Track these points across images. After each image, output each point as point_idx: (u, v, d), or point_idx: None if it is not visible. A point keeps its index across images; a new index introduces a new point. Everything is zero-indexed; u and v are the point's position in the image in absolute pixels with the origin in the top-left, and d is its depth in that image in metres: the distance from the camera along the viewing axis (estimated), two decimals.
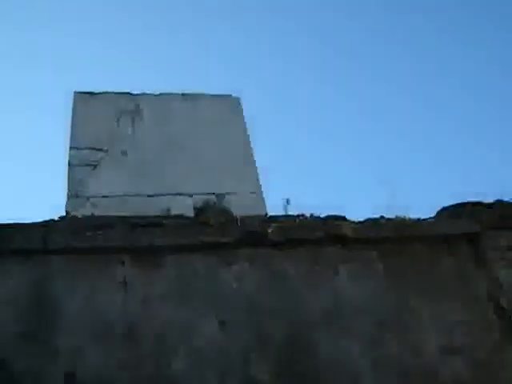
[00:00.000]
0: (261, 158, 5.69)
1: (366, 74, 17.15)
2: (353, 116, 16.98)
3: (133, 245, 3.74)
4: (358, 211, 4.76)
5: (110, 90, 5.87)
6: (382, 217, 4.43)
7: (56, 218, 4.43)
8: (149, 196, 5.07)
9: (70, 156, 5.27)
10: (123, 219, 4.07)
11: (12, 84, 16.94)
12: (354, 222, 4.20)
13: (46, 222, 4.07)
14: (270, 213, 4.95)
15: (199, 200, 5.10)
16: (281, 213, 4.74)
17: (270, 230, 3.94)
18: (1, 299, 3.50)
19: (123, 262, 3.72)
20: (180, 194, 5.14)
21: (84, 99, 5.66)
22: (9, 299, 3.52)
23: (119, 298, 3.60)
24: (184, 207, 4.96)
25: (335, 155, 16.71)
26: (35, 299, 3.55)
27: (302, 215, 4.43)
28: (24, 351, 3.37)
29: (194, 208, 5.04)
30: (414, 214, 4.40)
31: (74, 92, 5.72)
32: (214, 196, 5.19)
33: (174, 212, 4.82)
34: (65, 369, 3.33)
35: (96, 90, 5.79)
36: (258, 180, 5.35)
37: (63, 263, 3.67)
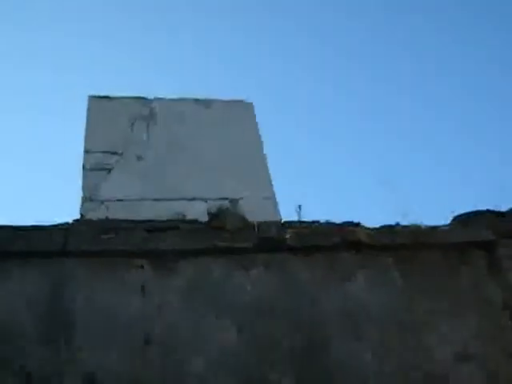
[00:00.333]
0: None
1: (366, 73, 17.16)
2: (353, 116, 17.00)
3: (151, 249, 3.76)
4: (368, 216, 4.78)
5: (123, 94, 5.90)
6: (397, 223, 4.46)
7: (70, 221, 4.47)
8: (163, 200, 5.09)
9: (85, 159, 5.29)
10: (140, 223, 4.10)
11: (28, 85, 17.05)
12: (369, 228, 4.22)
13: (65, 224, 4.11)
14: (283, 218, 4.98)
15: (213, 205, 5.12)
16: (293, 218, 4.77)
17: (287, 236, 3.97)
18: (20, 301, 3.52)
19: (141, 266, 3.74)
20: (194, 199, 5.15)
21: (99, 103, 5.68)
22: (28, 301, 3.54)
23: (137, 302, 3.62)
24: (198, 212, 4.98)
25: (336, 156, 16.72)
26: (54, 301, 3.57)
27: (317, 221, 4.46)
28: (43, 353, 3.39)
29: (208, 213, 5.06)
30: (426, 221, 4.45)
31: (89, 96, 5.74)
32: (227, 201, 5.20)
33: (187, 217, 4.85)
34: (84, 370, 3.34)
35: (110, 94, 5.82)
36: (271, 185, 5.36)
37: (82, 266, 3.70)
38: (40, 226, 3.87)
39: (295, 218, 4.81)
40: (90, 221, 4.42)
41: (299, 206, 5.03)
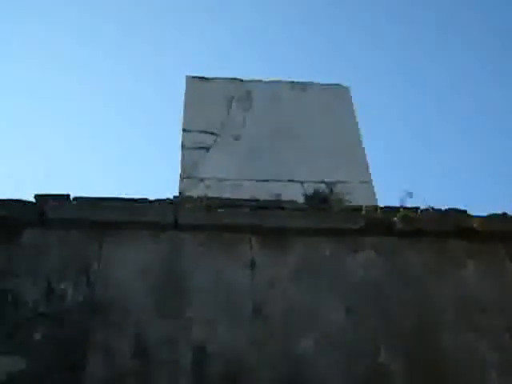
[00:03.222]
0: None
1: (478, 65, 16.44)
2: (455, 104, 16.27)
3: (261, 225, 3.77)
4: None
5: (220, 75, 5.96)
6: (504, 213, 4.30)
7: (171, 197, 4.55)
8: (260, 181, 5.11)
9: (184, 138, 5.38)
10: (246, 201, 4.12)
11: (133, 68, 17.65)
12: (478, 217, 4.09)
13: (175, 198, 4.19)
14: (381, 203, 4.90)
15: (310, 187, 5.11)
16: (392, 203, 4.68)
17: (395, 219, 3.89)
18: (135, 271, 3.61)
19: (251, 242, 3.76)
20: (291, 181, 5.16)
21: (196, 84, 5.77)
22: (142, 271, 3.62)
23: (247, 277, 3.64)
24: (294, 194, 4.99)
25: (433, 144, 16.25)
26: (166, 273, 3.64)
27: (418, 207, 4.35)
28: (157, 322, 3.46)
29: (305, 195, 5.05)
30: None
31: (187, 76, 5.84)
32: (323, 184, 5.18)
33: (283, 198, 4.85)
34: (196, 340, 3.40)
35: (207, 75, 5.89)
36: (368, 169, 5.30)
37: (193, 239, 3.75)
38: (152, 199, 3.95)
39: (394, 204, 4.72)
40: (194, 197, 4.48)
41: (410, 193, 4.86)
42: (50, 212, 3.77)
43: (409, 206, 4.44)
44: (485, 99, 16.81)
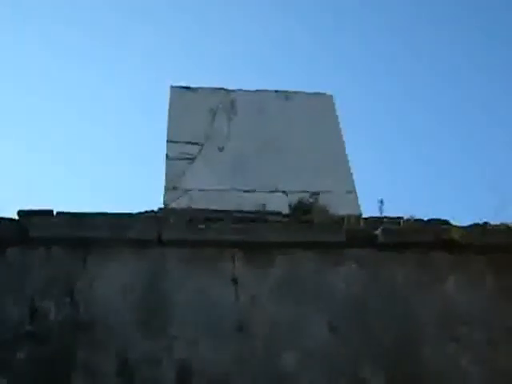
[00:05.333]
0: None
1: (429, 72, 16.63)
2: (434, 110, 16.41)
3: (244, 240, 3.79)
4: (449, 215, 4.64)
5: (204, 85, 5.96)
6: (485, 223, 4.33)
7: (156, 209, 4.56)
8: (245, 191, 5.12)
9: (168, 149, 5.37)
10: (229, 213, 4.14)
11: (113, 78, 17.55)
12: (460, 227, 4.12)
13: (153, 212, 4.20)
14: (364, 213, 4.93)
15: (294, 198, 5.12)
16: (373, 213, 4.71)
17: (377, 232, 3.92)
18: (118, 288, 3.62)
19: (234, 257, 3.77)
20: (275, 191, 5.17)
21: (180, 94, 5.76)
22: (125, 289, 3.63)
23: (230, 293, 3.66)
24: (278, 204, 5.00)
25: (414, 152, 16.32)
26: (149, 289, 3.65)
27: (401, 217, 4.38)
28: (139, 339, 3.47)
29: (290, 205, 5.07)
30: None
31: (171, 86, 5.83)
32: (307, 194, 5.19)
33: (268, 208, 4.88)
34: (180, 358, 3.41)
35: (191, 85, 5.88)
36: (352, 179, 5.31)
37: (176, 255, 3.76)
38: (135, 214, 3.96)
39: (375, 214, 4.76)
40: (179, 210, 4.50)
41: (381, 201, 4.95)
42: (32, 230, 3.76)
43: (391, 215, 4.48)
44: (473, 106, 16.92)
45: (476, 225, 4.11)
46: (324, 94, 5.91)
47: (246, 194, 5.15)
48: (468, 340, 3.63)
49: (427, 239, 3.91)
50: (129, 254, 3.75)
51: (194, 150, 5.42)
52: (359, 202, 5.29)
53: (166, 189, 5.19)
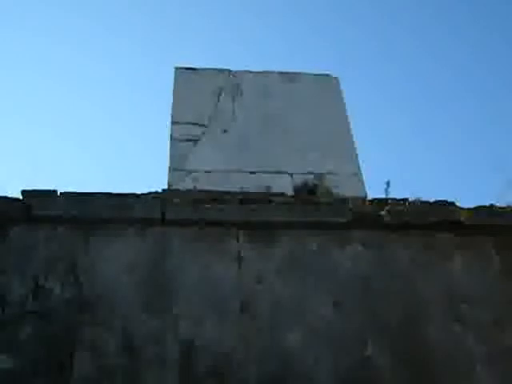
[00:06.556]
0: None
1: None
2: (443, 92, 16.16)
3: (248, 220, 3.77)
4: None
5: (208, 66, 5.92)
6: (491, 204, 4.30)
7: (160, 190, 4.54)
8: (249, 173, 5.09)
9: (173, 130, 5.34)
10: (234, 194, 4.11)
11: (121, 59, 17.50)
12: (465, 209, 4.09)
13: (157, 193, 4.17)
14: (369, 194, 4.90)
15: (299, 179, 5.09)
16: (381, 195, 4.68)
17: (383, 213, 3.90)
18: (122, 267, 3.61)
19: (238, 236, 3.76)
20: (279, 173, 5.14)
21: (185, 75, 5.72)
22: (129, 267, 3.62)
23: (234, 272, 3.65)
24: (283, 185, 4.97)
25: (420, 134, 16.18)
26: (154, 269, 3.64)
27: (406, 199, 4.35)
28: (144, 319, 3.47)
29: (294, 187, 5.04)
30: None
31: (175, 68, 5.79)
32: (312, 176, 5.16)
33: (272, 190, 4.86)
34: (183, 337, 3.40)
35: (196, 66, 5.84)
36: (357, 161, 5.28)
37: (180, 235, 3.75)
38: (139, 194, 3.94)
39: (381, 196, 4.73)
40: (183, 191, 4.48)
41: (387, 182, 4.92)
42: (36, 208, 3.76)
43: (397, 197, 4.45)
44: (477, 88, 16.78)
45: (482, 206, 4.08)
46: (329, 75, 5.86)
47: (251, 176, 5.13)
48: (473, 320, 3.61)
49: (433, 220, 3.88)
50: (133, 233, 3.74)
51: (198, 131, 5.39)
52: (365, 184, 5.27)
53: (171, 170, 5.17)
